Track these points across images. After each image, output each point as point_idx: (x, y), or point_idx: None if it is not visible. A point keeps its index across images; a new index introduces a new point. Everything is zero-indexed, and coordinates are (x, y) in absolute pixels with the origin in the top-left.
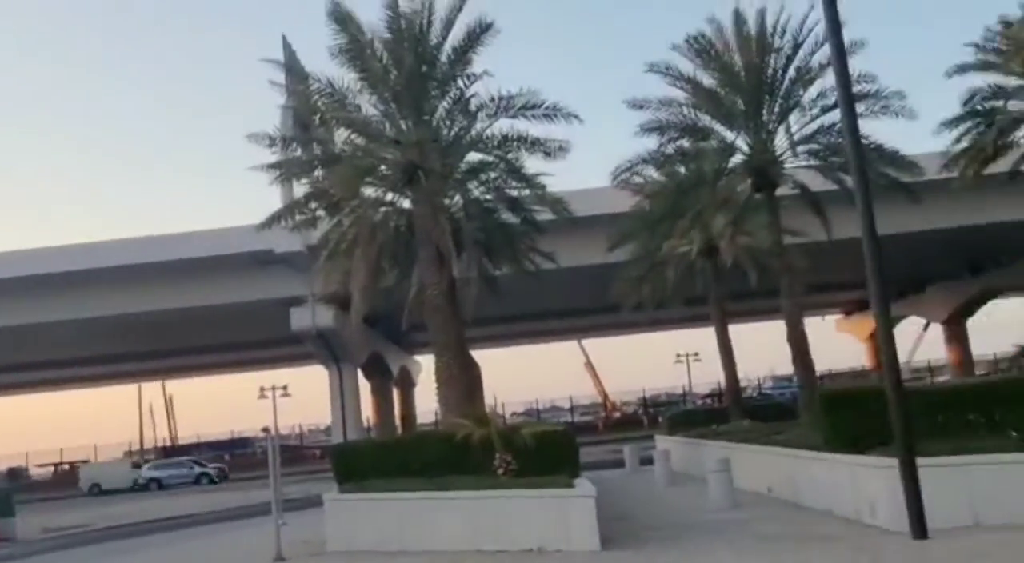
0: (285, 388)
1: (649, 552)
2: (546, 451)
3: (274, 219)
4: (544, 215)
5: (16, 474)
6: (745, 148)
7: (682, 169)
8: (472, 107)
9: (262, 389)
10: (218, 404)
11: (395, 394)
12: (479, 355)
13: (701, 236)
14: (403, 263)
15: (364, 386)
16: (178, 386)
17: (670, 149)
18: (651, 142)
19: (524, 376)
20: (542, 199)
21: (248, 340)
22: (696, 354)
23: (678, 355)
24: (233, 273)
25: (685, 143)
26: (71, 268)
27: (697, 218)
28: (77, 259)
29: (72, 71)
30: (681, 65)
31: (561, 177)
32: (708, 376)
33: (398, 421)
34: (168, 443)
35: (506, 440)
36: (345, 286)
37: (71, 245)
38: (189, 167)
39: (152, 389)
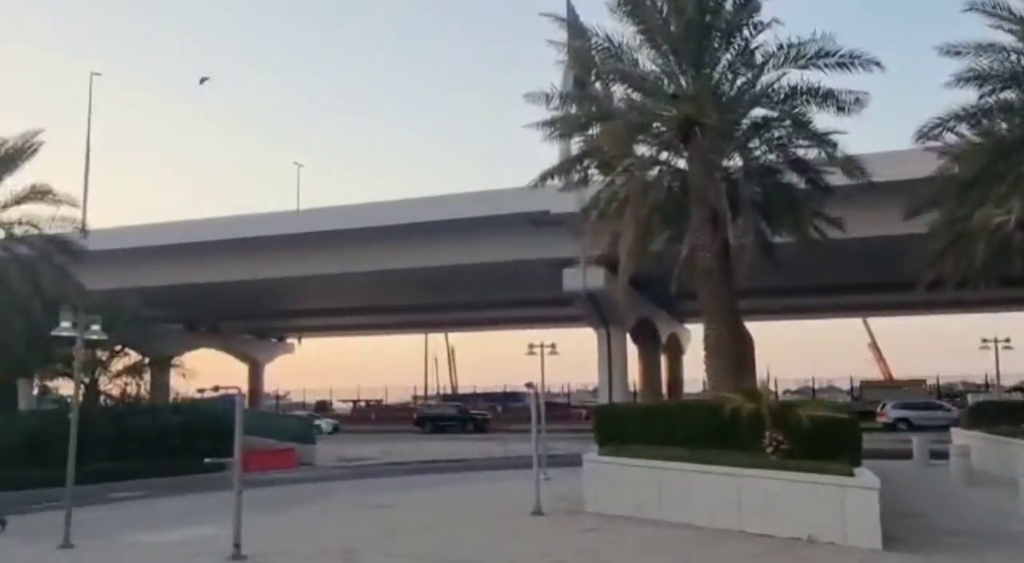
0: (553, 346)
1: (942, 559)
2: (824, 434)
3: (547, 176)
4: (833, 178)
5: (323, 407)
6: None
7: (1004, 126)
8: (758, 58)
9: (531, 346)
10: (495, 358)
11: (663, 361)
12: (753, 327)
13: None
14: (675, 225)
15: (632, 351)
16: (460, 338)
17: (990, 102)
18: (965, 95)
19: (800, 352)
20: (832, 159)
21: (522, 299)
22: (1007, 340)
23: (984, 340)
24: (510, 233)
25: (1010, 95)
26: (368, 225)
27: (1019, 183)
28: (375, 217)
29: (367, 41)
30: (1012, 2)
31: (851, 138)
32: (1016, 366)
33: (664, 388)
34: (449, 390)
35: (779, 418)
36: (614, 248)
37: (367, 203)
38: (467, 131)
39: (437, 340)
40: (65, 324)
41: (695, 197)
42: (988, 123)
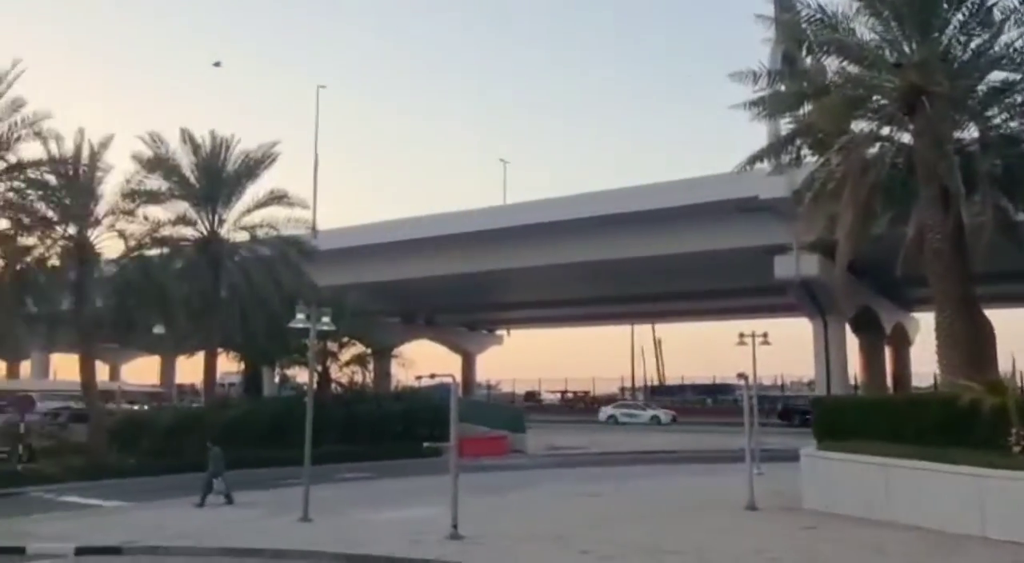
0: (765, 336)
1: None
2: None
3: (755, 159)
4: None
5: (532, 397)
6: None
7: None
8: (996, 16)
9: (741, 335)
10: (703, 350)
11: (887, 353)
12: (994, 315)
13: None
14: (899, 205)
15: (852, 342)
16: (666, 329)
17: None
18: None
19: None
20: None
21: (730, 288)
22: None
23: None
24: (717, 220)
25: None
26: (574, 217)
27: None
28: (580, 208)
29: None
30: None
31: None
32: None
33: (889, 382)
34: (655, 382)
35: None
36: (831, 232)
37: (572, 196)
38: (664, 118)
39: (644, 331)
40: (300, 317)
41: (923, 173)
42: None
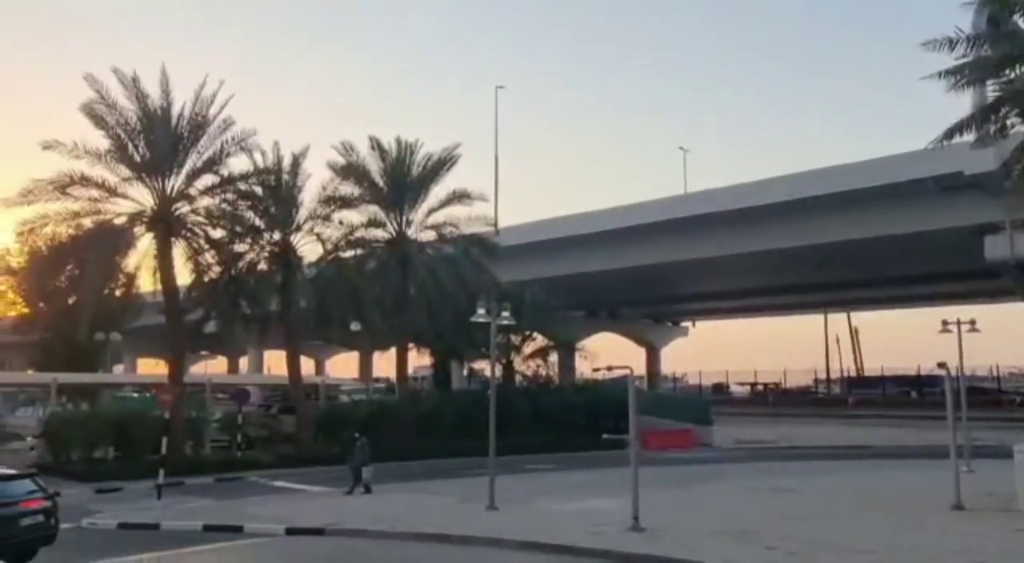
0: (973, 323)
1: None
2: None
3: (955, 130)
4: None
5: (719, 389)
6: None
7: None
8: None
9: (944, 322)
10: (905, 339)
11: None
12: None
13: None
14: None
15: None
16: (864, 317)
17: None
18: None
19: None
20: None
21: (934, 272)
22: None
23: None
24: (914, 200)
25: None
26: (750, 204)
27: None
28: (761, 195)
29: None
30: None
31: None
32: None
33: None
34: (853, 373)
35: None
36: None
37: (748, 183)
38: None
39: (838, 320)
40: (480, 312)
41: None
42: None
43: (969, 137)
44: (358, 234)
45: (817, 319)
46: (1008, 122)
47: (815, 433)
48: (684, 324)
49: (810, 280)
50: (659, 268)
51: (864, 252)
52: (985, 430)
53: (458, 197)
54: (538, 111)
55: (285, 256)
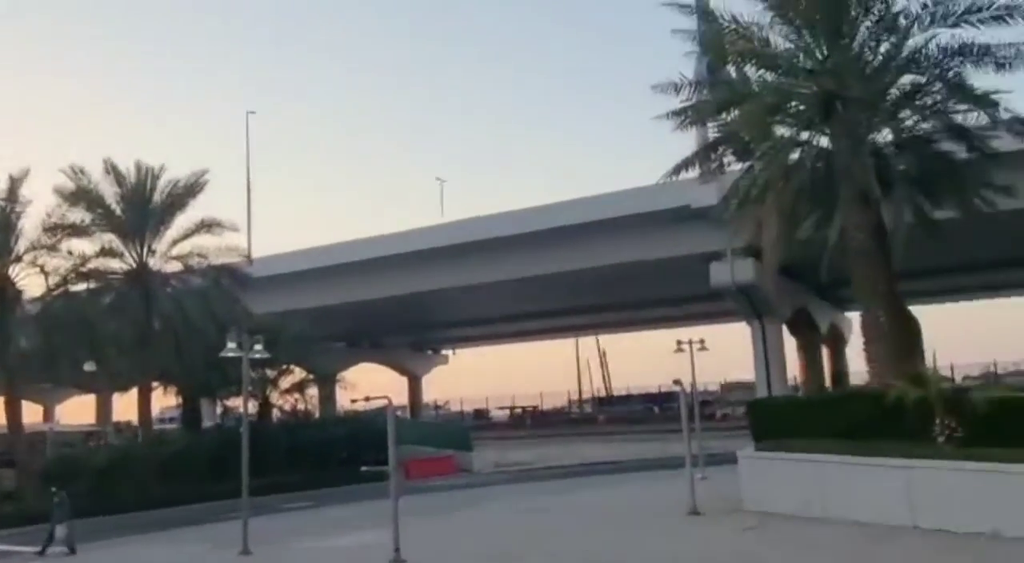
0: (702, 342)
1: None
2: (1004, 419)
3: (681, 168)
4: (1002, 144)
5: (480, 415)
6: None
7: None
8: (901, 22)
9: (679, 342)
10: (648, 359)
11: (824, 352)
12: (921, 310)
13: None
14: (822, 207)
15: (791, 343)
16: (612, 341)
17: None
18: None
19: (980, 335)
20: (994, 121)
21: (672, 296)
22: None
23: None
24: (653, 230)
25: None
26: (512, 232)
27: None
28: (517, 223)
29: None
30: None
31: (1019, 97)
32: None
33: (828, 380)
34: (603, 393)
35: (950, 403)
36: (759, 237)
37: (500, 213)
38: (595, 130)
39: (588, 343)
40: (231, 345)
41: (842, 175)
42: None
43: (694, 173)
44: (92, 265)
45: (569, 343)
46: (725, 160)
47: (569, 452)
48: (445, 352)
49: (562, 305)
50: (418, 296)
51: (610, 278)
52: (715, 440)
53: (207, 226)
54: (293, 138)
55: (1, 290)
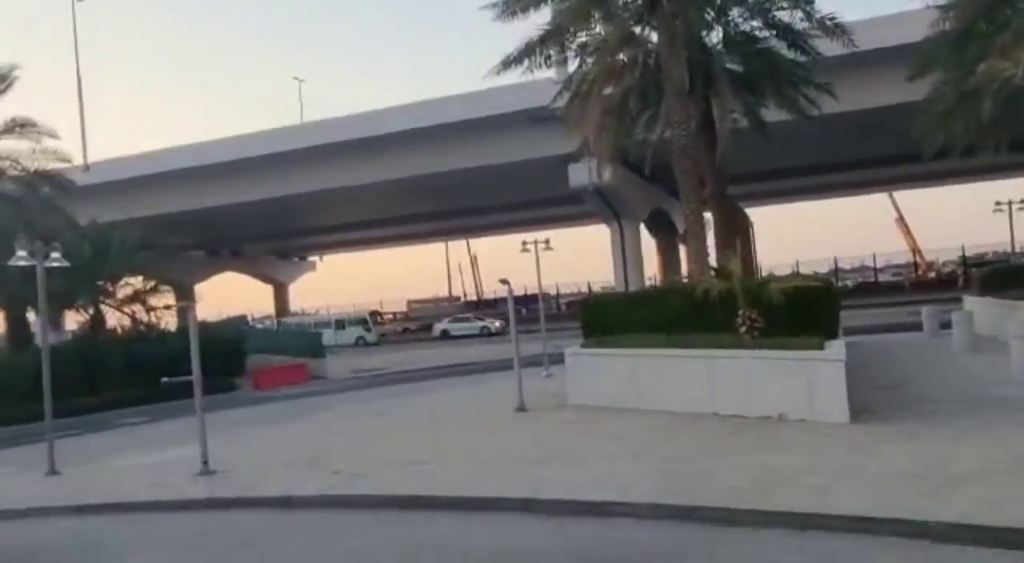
0: (547, 242)
1: (905, 428)
2: (799, 309)
3: (508, 64)
4: (829, 47)
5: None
6: None
7: None
8: None
9: (524, 243)
10: (515, 262)
11: (682, 251)
12: (765, 210)
13: None
14: (655, 106)
15: (649, 244)
16: (482, 244)
17: None
18: None
19: (828, 233)
20: (809, 19)
21: (536, 199)
22: (1023, 201)
23: (997, 203)
24: (512, 131)
25: None
26: (368, 134)
27: None
28: (375, 125)
29: None
30: None
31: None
32: None
33: (685, 279)
34: (474, 297)
35: (751, 296)
36: (592, 136)
37: (365, 112)
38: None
39: (459, 248)
40: (21, 253)
41: (665, 71)
42: None
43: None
44: None
45: (440, 247)
46: (549, 57)
47: (429, 355)
48: (312, 259)
49: (428, 209)
50: (281, 201)
51: (475, 181)
52: (570, 339)
53: (20, 125)
54: (134, 31)
55: None
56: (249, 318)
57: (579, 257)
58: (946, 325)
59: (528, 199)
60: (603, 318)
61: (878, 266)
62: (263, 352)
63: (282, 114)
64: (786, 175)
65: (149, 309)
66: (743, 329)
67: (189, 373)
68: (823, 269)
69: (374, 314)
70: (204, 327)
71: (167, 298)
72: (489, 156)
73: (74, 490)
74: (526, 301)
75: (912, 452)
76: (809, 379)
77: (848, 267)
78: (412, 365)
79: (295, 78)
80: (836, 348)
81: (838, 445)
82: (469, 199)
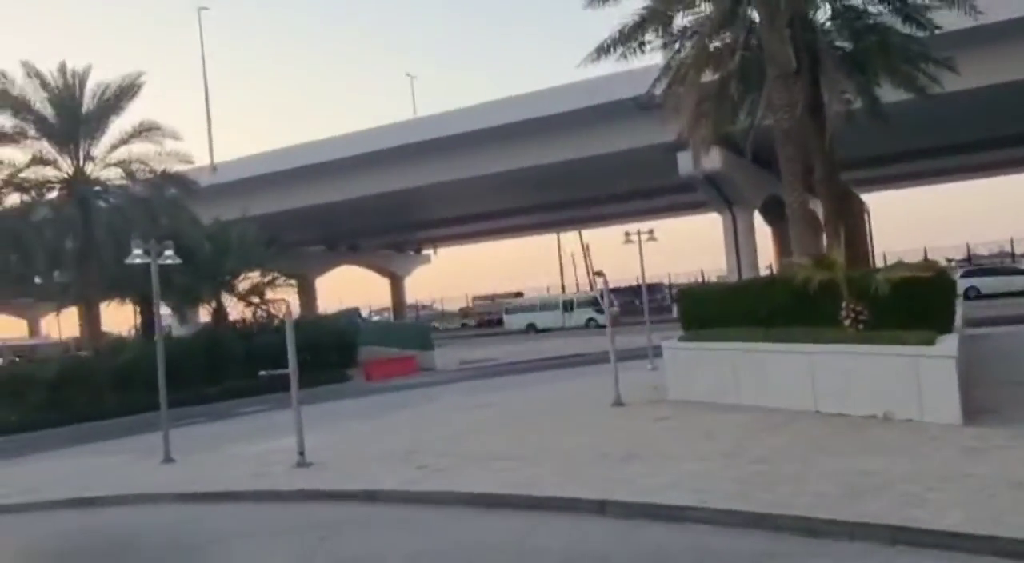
0: (651, 233)
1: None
2: (909, 300)
3: (603, 50)
4: (949, 20)
5: (466, 313)
6: None
7: None
8: None
9: (627, 234)
10: (630, 252)
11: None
12: (893, 195)
13: None
14: (758, 89)
15: (765, 232)
16: (594, 235)
17: None
18: None
19: (964, 216)
20: None
21: (647, 188)
22: None
23: None
24: (620, 120)
25: None
26: (477, 127)
27: None
28: (483, 117)
29: None
30: None
31: None
32: None
33: (788, 268)
34: (589, 288)
35: (856, 286)
36: (692, 122)
37: (475, 105)
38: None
39: (572, 238)
40: (137, 252)
41: (767, 52)
42: None
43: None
44: (26, 174)
45: (552, 238)
46: (645, 42)
47: (540, 346)
48: (426, 252)
49: (541, 201)
50: (396, 195)
51: (584, 171)
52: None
53: (146, 129)
54: (254, 36)
55: None
56: (366, 311)
57: (697, 245)
58: None
59: (641, 188)
60: (702, 310)
61: (1019, 252)
62: (371, 344)
63: (396, 110)
64: (914, 157)
65: (265, 302)
66: (847, 322)
67: (308, 363)
68: (957, 255)
69: (464, 311)
70: (317, 320)
71: (285, 292)
72: (598, 145)
73: (183, 477)
74: (636, 292)
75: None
76: (917, 376)
77: (986, 253)
78: (521, 357)
79: (407, 74)
80: (948, 343)
81: (945, 449)
82: (580, 190)
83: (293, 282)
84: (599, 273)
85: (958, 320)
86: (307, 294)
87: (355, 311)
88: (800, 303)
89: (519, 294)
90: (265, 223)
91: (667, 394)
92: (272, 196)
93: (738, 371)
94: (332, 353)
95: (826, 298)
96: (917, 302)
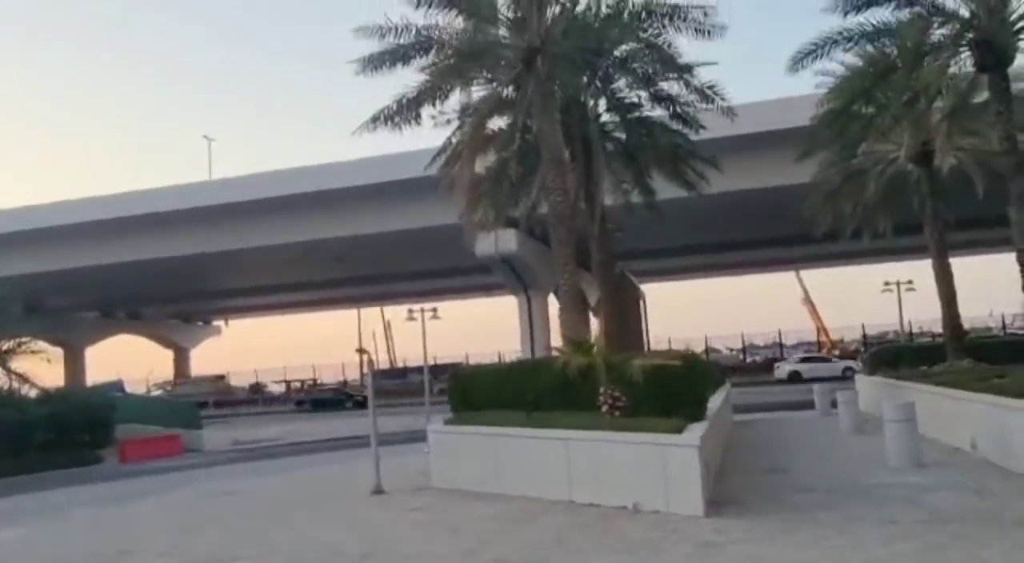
0: (435, 310)
1: (762, 525)
2: (663, 387)
3: (376, 120)
4: (720, 129)
5: (256, 389)
6: (966, 13)
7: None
8: None
9: (409, 310)
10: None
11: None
12: (676, 285)
13: (912, 135)
14: (535, 172)
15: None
16: (401, 312)
17: (873, 20)
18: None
19: (741, 309)
20: (690, 88)
21: (449, 267)
22: (909, 282)
23: (886, 283)
24: (423, 197)
25: (886, 14)
26: (274, 194)
27: (905, 111)
28: (280, 185)
29: None
30: None
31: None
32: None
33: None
34: (389, 366)
35: (615, 372)
36: (469, 202)
37: (271, 171)
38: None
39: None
40: None
41: (540, 136)
42: (868, 47)
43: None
44: None
45: (352, 314)
46: (419, 115)
47: (326, 427)
48: (216, 323)
49: (340, 274)
50: (183, 261)
51: (379, 247)
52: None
53: None
54: (44, 93)
55: None
56: (145, 386)
57: (502, 326)
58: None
59: (443, 267)
60: (470, 392)
61: (791, 343)
62: (132, 422)
63: (193, 172)
64: (695, 251)
65: (10, 372)
66: (605, 408)
67: (52, 443)
68: (736, 344)
69: (255, 387)
70: (68, 394)
71: (35, 361)
72: (394, 222)
73: None
74: (436, 371)
75: (755, 557)
76: (664, 466)
77: (762, 343)
78: (298, 438)
79: (204, 137)
80: (694, 432)
81: (683, 544)
82: (378, 266)
83: (43, 350)
84: (360, 350)
85: (716, 406)
86: (75, 364)
87: (117, 384)
88: (564, 388)
89: (221, 378)
90: (25, 284)
91: (432, 481)
92: (38, 255)
93: (500, 457)
94: (82, 431)
95: (587, 383)
96: (671, 390)
